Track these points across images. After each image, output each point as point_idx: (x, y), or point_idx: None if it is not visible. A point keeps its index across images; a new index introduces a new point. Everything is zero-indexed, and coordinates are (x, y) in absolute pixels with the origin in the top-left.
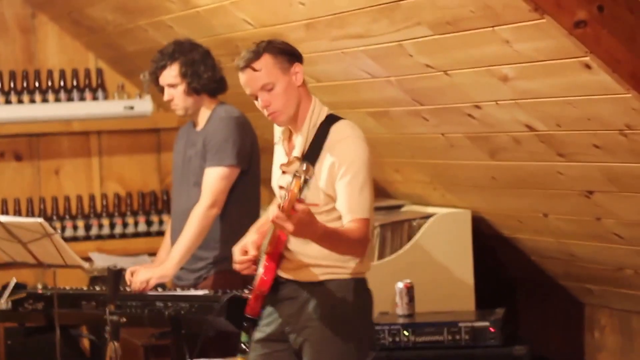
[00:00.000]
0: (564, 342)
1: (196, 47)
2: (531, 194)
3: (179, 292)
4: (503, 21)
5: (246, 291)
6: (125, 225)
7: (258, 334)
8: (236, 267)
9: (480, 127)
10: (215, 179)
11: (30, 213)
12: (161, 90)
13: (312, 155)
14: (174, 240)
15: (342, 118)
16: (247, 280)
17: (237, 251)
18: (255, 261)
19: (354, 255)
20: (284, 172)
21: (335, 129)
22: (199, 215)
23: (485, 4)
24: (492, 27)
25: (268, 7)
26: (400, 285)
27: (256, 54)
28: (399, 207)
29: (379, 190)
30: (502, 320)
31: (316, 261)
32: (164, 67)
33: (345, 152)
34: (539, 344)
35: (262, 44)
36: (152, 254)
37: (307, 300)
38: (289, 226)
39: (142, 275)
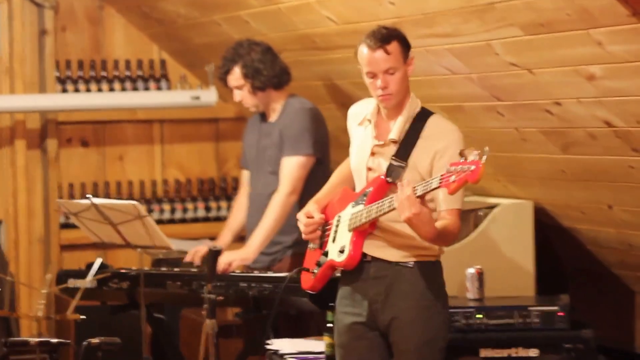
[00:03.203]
0: (615, 330)
1: (255, 47)
2: (599, 186)
3: (263, 273)
4: (599, 24)
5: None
6: (185, 210)
7: (343, 315)
8: (304, 230)
9: (557, 123)
10: (293, 167)
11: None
12: (231, 91)
13: (408, 141)
14: (249, 224)
15: (433, 112)
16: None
17: (301, 216)
18: (320, 225)
19: (448, 245)
20: (373, 154)
21: (433, 122)
22: (279, 202)
23: (582, 7)
24: (587, 29)
25: (355, 5)
26: (471, 270)
27: (388, 38)
28: None
29: None
30: (570, 305)
31: (407, 241)
32: (228, 72)
33: (448, 144)
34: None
35: (392, 30)
36: (212, 238)
37: (395, 280)
38: (408, 213)
39: (226, 257)
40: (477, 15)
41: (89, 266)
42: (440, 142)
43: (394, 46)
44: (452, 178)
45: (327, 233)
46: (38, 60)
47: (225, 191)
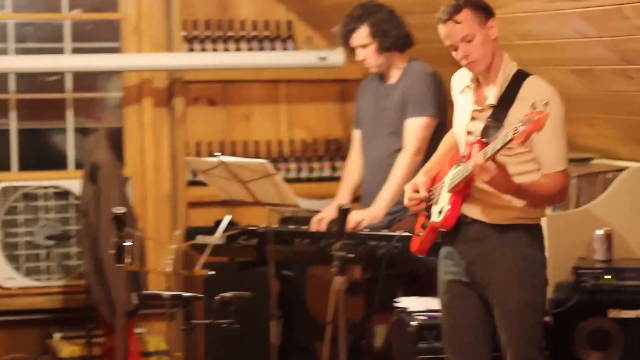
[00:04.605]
0: None
1: (381, 7)
2: None
3: (392, 232)
4: None
5: (418, 231)
6: (311, 170)
7: (444, 274)
8: (407, 203)
9: None
10: (418, 128)
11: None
12: (352, 51)
13: (505, 104)
14: (368, 183)
15: (531, 74)
16: None
17: (408, 189)
18: (425, 200)
19: (555, 204)
20: (473, 119)
21: (531, 83)
22: (405, 162)
23: None
24: None
25: None
26: (600, 232)
27: (457, 8)
28: (588, 159)
29: (569, 143)
30: None
31: (506, 204)
32: (353, 30)
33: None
34: None
35: (460, 0)
36: None
37: (495, 242)
38: (486, 177)
39: (355, 216)
40: None
41: (217, 223)
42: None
43: (464, 14)
44: (521, 128)
45: (433, 198)
46: (165, 19)
47: None
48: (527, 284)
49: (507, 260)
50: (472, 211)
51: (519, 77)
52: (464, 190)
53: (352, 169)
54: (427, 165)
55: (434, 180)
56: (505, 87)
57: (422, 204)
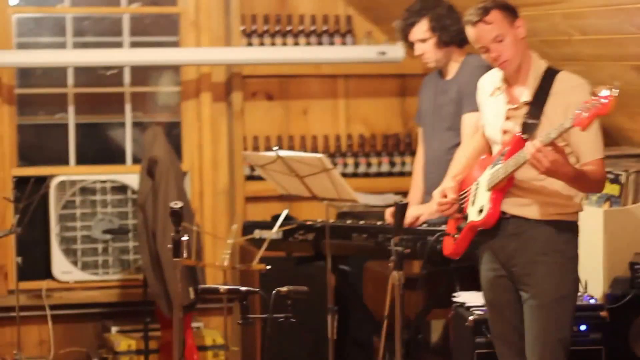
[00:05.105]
0: None
1: (440, 2)
2: None
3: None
4: None
5: (453, 232)
6: (369, 165)
7: (486, 271)
8: (437, 208)
9: None
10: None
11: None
12: (410, 45)
13: (539, 100)
14: (429, 179)
15: (560, 70)
16: None
17: (437, 194)
18: (454, 203)
19: (596, 191)
20: (508, 118)
21: (562, 78)
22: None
23: None
24: None
25: None
26: None
27: (486, 10)
28: None
29: (626, 139)
30: None
31: (545, 199)
32: (413, 24)
33: (581, 97)
34: None
35: (488, 1)
36: (397, 192)
37: (532, 236)
38: (546, 162)
39: (413, 211)
40: None
41: (275, 218)
42: (572, 95)
43: (493, 15)
44: (584, 115)
45: (465, 200)
46: (224, 14)
47: (410, 146)
48: (563, 280)
49: (543, 256)
50: (510, 207)
51: (550, 74)
52: (505, 188)
53: (419, 167)
54: (453, 170)
55: (462, 185)
56: (537, 83)
57: (453, 207)
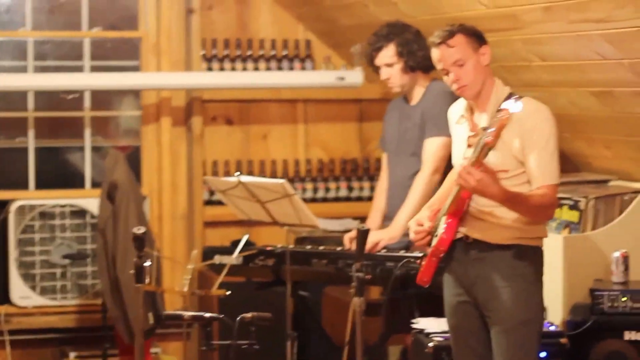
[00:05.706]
0: None
1: (408, 28)
2: None
3: (409, 253)
4: None
5: (419, 260)
6: (327, 190)
7: (450, 297)
8: (413, 237)
9: None
10: (437, 148)
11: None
12: (376, 70)
13: None
14: (391, 205)
15: (522, 96)
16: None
17: (412, 224)
18: (431, 232)
19: (542, 219)
20: (469, 146)
21: (522, 103)
22: (423, 181)
23: None
24: None
25: None
26: (617, 254)
27: (451, 33)
28: (605, 181)
29: (585, 165)
30: None
31: (508, 224)
32: (380, 48)
33: (537, 122)
34: None
35: (455, 26)
36: (355, 218)
37: (494, 261)
38: (472, 181)
39: (373, 236)
40: (632, 1)
41: (234, 243)
42: (528, 120)
43: (457, 39)
44: (490, 130)
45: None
46: (184, 38)
47: (368, 171)
48: (524, 305)
49: (506, 281)
50: (474, 232)
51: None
52: (457, 212)
53: (381, 192)
54: (431, 200)
55: (437, 214)
56: (496, 109)
57: (428, 237)
